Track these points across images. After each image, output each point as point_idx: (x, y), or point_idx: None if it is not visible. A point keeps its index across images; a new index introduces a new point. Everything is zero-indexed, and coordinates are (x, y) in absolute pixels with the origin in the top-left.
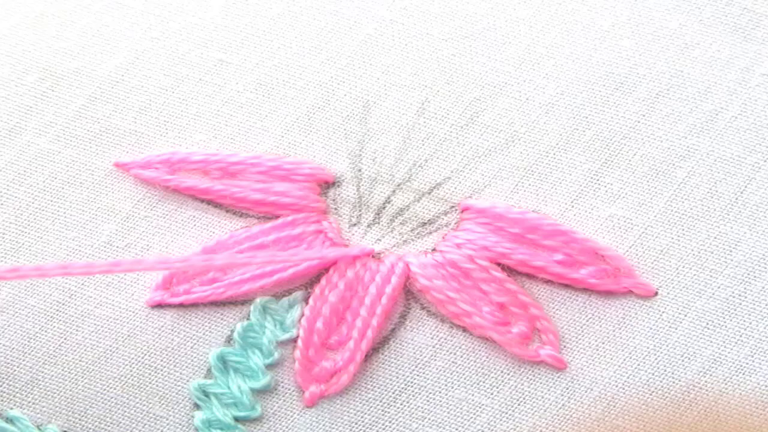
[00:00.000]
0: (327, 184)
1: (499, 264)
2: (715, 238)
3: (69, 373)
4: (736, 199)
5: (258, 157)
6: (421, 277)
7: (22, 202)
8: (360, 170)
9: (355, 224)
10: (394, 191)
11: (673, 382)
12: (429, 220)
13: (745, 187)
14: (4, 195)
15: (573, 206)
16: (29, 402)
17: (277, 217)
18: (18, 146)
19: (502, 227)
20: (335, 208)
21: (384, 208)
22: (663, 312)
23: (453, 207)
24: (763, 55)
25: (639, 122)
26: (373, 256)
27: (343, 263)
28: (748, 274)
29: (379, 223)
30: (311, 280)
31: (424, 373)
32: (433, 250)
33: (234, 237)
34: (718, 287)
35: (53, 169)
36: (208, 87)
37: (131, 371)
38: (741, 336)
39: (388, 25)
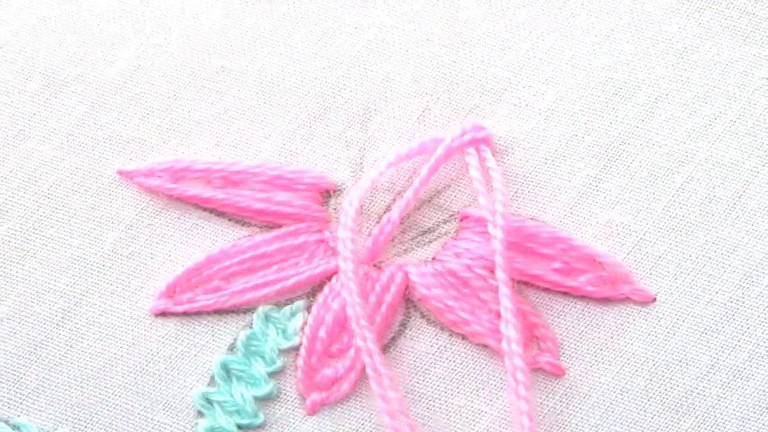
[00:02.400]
0: (328, 193)
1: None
2: (713, 243)
3: (75, 380)
4: (734, 203)
5: (260, 166)
6: (420, 286)
7: (26, 210)
8: (361, 179)
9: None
10: (394, 199)
11: (671, 388)
12: (429, 228)
13: (744, 191)
14: (9, 202)
15: (572, 212)
16: (36, 409)
17: (280, 226)
18: (22, 153)
19: None
20: (337, 217)
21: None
22: (661, 318)
23: (452, 215)
24: (762, 58)
25: (638, 127)
26: (374, 266)
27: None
28: (746, 279)
29: (373, 232)
30: (313, 288)
31: (424, 380)
32: (433, 259)
33: (237, 246)
34: (716, 292)
35: (57, 176)
36: (210, 94)
37: (136, 379)
38: (739, 341)
39: (388, 32)
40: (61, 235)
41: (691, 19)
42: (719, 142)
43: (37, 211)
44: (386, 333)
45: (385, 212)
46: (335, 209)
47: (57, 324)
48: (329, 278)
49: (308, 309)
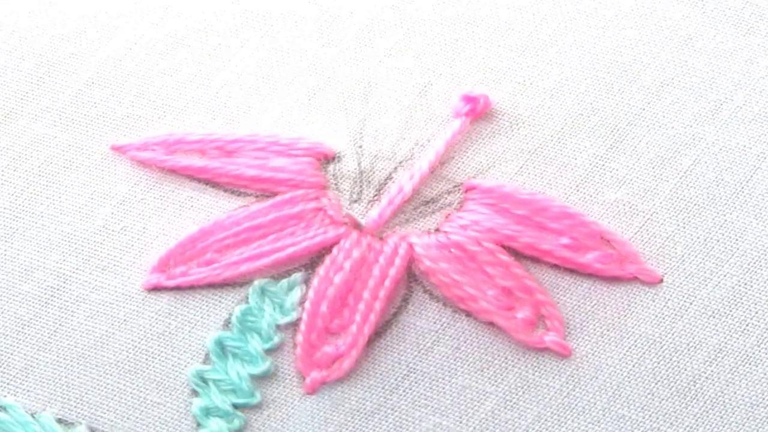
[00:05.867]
0: (327, 159)
1: (504, 246)
2: (721, 226)
3: (64, 359)
4: (742, 187)
5: (255, 135)
6: (426, 259)
7: (17, 187)
8: (361, 147)
9: (356, 201)
10: (395, 168)
11: (679, 372)
12: (431, 198)
13: (751, 176)
14: (0, 180)
15: (578, 190)
16: (23, 389)
17: (276, 194)
18: (14, 131)
19: (507, 208)
20: (335, 184)
21: (385, 184)
22: (668, 300)
23: (456, 186)
24: (766, 47)
25: (644, 109)
26: (375, 236)
27: (348, 243)
28: (754, 263)
29: (380, 200)
30: (311, 260)
31: (426, 359)
32: (436, 230)
33: (232, 217)
34: (724, 275)
35: (49, 153)
36: (206, 70)
37: (127, 357)
38: (747, 325)
39: (390, 9)
40: (52, 212)
41: (695, 8)
42: (726, 127)
43: (27, 188)
44: (388, 308)
45: (386, 181)
46: (333, 175)
47: (46, 302)
48: (328, 249)
49: (306, 282)
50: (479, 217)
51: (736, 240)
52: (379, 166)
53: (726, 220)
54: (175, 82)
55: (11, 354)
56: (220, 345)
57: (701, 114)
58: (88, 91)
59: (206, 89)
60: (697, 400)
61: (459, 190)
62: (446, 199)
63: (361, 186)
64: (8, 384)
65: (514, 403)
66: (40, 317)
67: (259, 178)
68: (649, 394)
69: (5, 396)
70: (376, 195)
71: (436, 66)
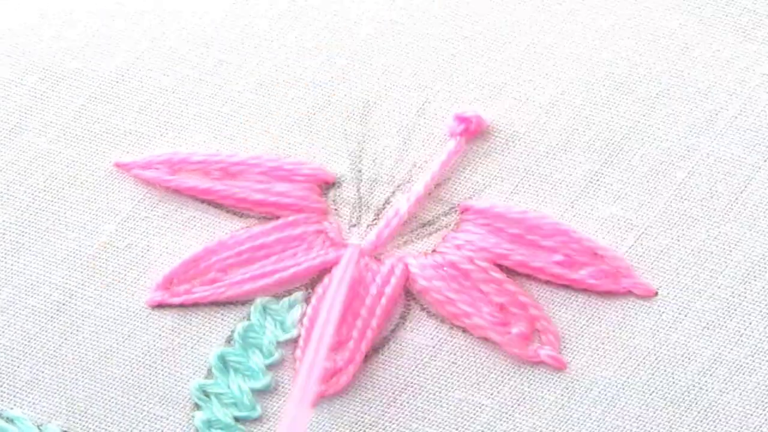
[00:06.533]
0: (327, 185)
1: (498, 265)
2: (715, 238)
3: (69, 373)
4: (736, 199)
5: (258, 158)
6: (421, 278)
7: (22, 203)
8: (360, 171)
9: (355, 225)
10: (393, 192)
11: (673, 383)
12: (429, 221)
13: (745, 187)
14: (5, 195)
15: (573, 206)
16: (30, 402)
17: (278, 217)
18: (18, 146)
19: (502, 228)
20: (335, 209)
21: (384, 209)
22: (663, 312)
23: (453, 208)
24: (763, 55)
25: (639, 122)
26: (373, 257)
27: (347, 263)
28: (748, 274)
29: (379, 224)
30: (312, 280)
31: (423, 373)
32: (433, 251)
33: (235, 237)
34: (718, 287)
35: (53, 169)
36: (208, 87)
37: (131, 371)
38: (741, 336)
39: (388, 26)
40: (57, 228)
41: (692, 16)
42: (721, 138)
43: (33, 203)
44: (386, 325)
45: (384, 205)
46: (334, 201)
47: (51, 317)
48: (328, 270)
49: (306, 301)
50: (473, 237)
51: (730, 251)
52: (378, 191)
53: (720, 232)
54: (177, 99)
55: (18, 367)
56: (223, 360)
57: (696, 125)
58: (91, 107)
59: (208, 107)
60: (691, 410)
61: (455, 211)
62: (443, 220)
63: (360, 211)
64: (15, 396)
65: (510, 416)
66: (46, 331)
67: (264, 203)
68: (643, 405)
69: (12, 408)
70: (374, 219)
71: (434, 83)
